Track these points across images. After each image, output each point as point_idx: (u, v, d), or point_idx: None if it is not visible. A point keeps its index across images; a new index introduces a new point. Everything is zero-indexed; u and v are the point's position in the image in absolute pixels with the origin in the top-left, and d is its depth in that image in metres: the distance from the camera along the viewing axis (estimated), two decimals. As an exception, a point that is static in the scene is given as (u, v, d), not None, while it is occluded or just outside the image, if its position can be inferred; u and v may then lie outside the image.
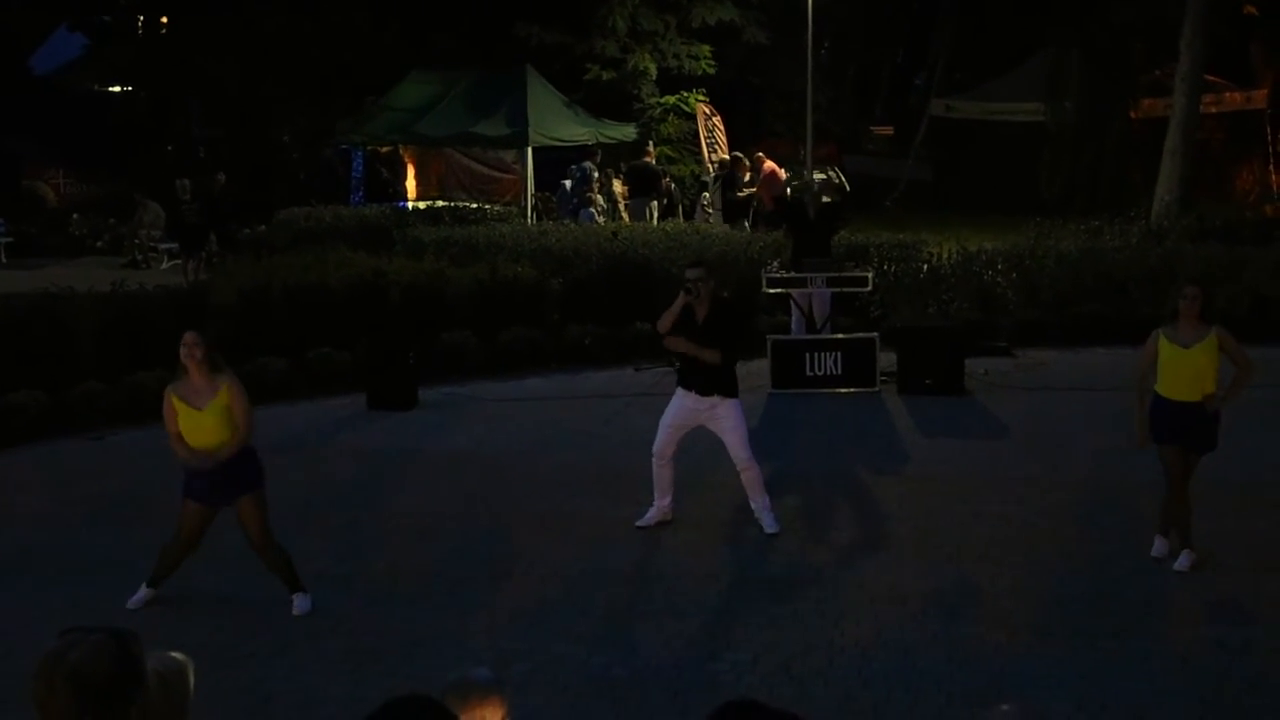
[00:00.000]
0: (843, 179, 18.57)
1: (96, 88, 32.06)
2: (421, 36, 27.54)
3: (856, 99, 35.85)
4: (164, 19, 28.60)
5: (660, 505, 9.26)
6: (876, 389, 13.22)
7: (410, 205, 25.30)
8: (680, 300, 8.86)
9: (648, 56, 25.86)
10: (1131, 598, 7.78)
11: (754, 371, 12.95)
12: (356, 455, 11.44)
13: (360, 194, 26.29)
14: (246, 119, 26.79)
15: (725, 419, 8.95)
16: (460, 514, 9.72)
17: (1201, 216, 19.43)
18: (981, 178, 26.44)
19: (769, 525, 9.03)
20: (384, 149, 26.89)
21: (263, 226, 22.43)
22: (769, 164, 22.34)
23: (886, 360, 13.46)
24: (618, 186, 23.29)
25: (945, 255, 16.58)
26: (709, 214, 22.26)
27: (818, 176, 16.33)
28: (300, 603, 7.79)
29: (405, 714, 2.63)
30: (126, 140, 28.29)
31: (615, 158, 24.40)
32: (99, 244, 25.62)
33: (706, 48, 26.15)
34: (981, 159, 27.09)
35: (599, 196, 22.65)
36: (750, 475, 9.04)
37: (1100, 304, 15.35)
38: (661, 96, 25.92)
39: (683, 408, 9.05)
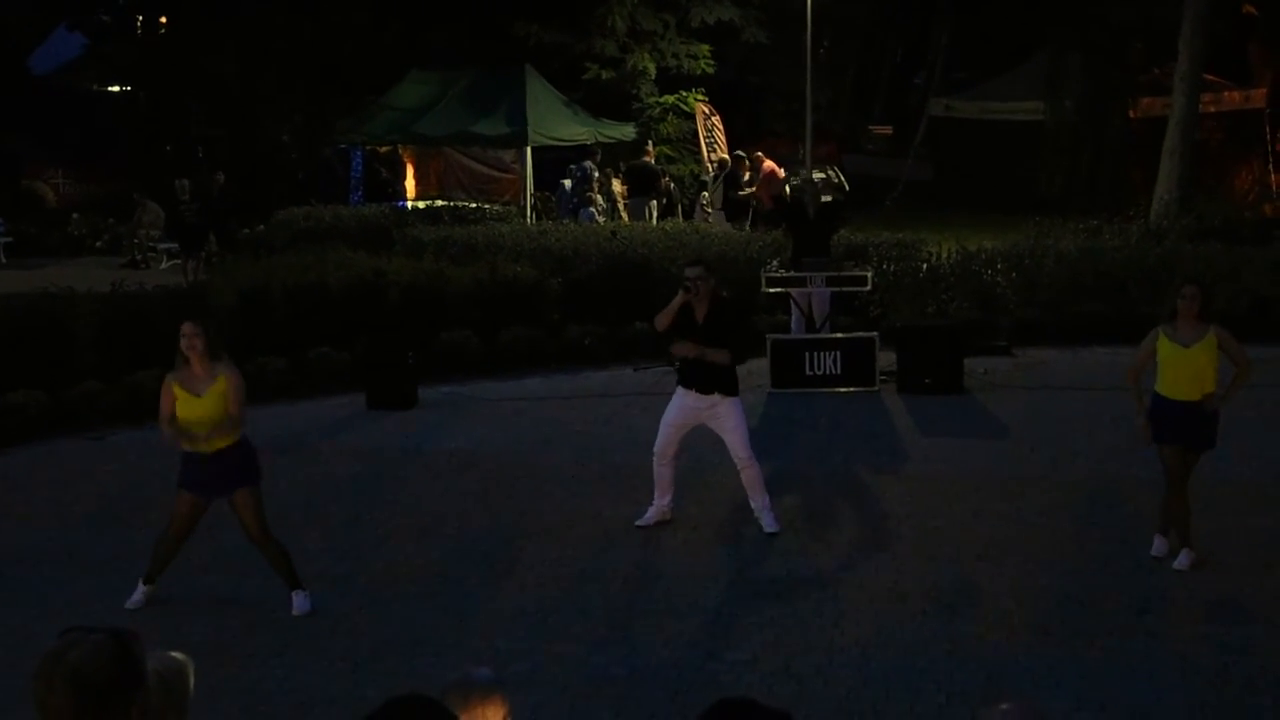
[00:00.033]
0: (842, 178, 18.55)
1: (96, 87, 32.05)
2: (421, 36, 27.53)
3: (856, 98, 35.82)
4: (163, 19, 28.59)
5: (660, 505, 9.26)
6: (876, 388, 13.22)
7: (409, 205, 25.30)
8: (679, 298, 8.85)
9: (647, 56, 25.86)
10: (1131, 597, 7.78)
11: (753, 371, 12.94)
12: (356, 455, 11.44)
13: (359, 194, 26.29)
14: (246, 119, 26.78)
15: (726, 418, 8.95)
16: (460, 514, 9.72)
17: (1201, 216, 19.42)
18: (981, 177, 26.43)
19: (769, 525, 9.03)
20: (383, 149, 26.88)
21: (262, 226, 22.42)
22: (768, 163, 22.36)
23: (886, 359, 13.46)
24: (617, 186, 23.29)
25: (945, 255, 16.58)
26: (708, 213, 22.26)
27: (816, 176, 16.30)
28: (299, 602, 7.79)
29: (405, 713, 2.63)
30: (126, 140, 28.28)
31: (614, 157, 24.40)
32: (98, 244, 25.62)
33: (706, 47, 26.15)
34: (981, 158, 27.07)
35: (599, 196, 22.66)
36: (750, 474, 9.04)
37: (1100, 303, 15.34)
38: (661, 96, 25.92)
39: (683, 406, 9.05)
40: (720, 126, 24.91)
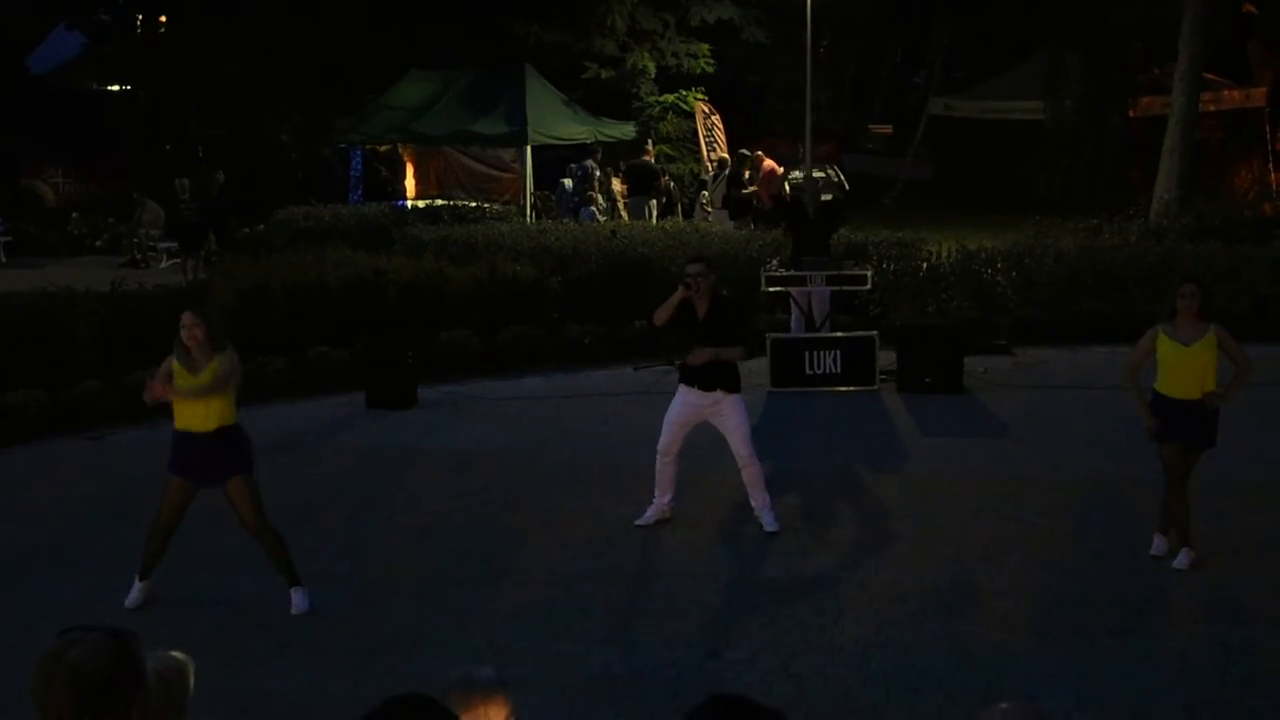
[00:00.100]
0: (842, 177, 18.57)
1: (95, 87, 32.03)
2: (420, 36, 27.53)
3: (855, 98, 35.84)
4: (162, 18, 28.58)
5: (660, 503, 9.26)
6: (876, 387, 13.22)
7: (409, 204, 25.30)
8: (678, 294, 8.85)
9: (646, 55, 25.87)
10: (1131, 596, 7.79)
11: (753, 370, 12.93)
12: (355, 454, 11.44)
13: (359, 193, 26.28)
14: (246, 118, 26.77)
15: (729, 415, 8.96)
16: (459, 513, 9.72)
17: (1200, 215, 19.43)
18: (980, 176, 26.42)
19: (768, 524, 9.03)
20: (383, 148, 26.87)
21: (261, 226, 22.41)
22: (768, 162, 22.36)
23: (886, 359, 13.46)
24: (617, 185, 23.29)
25: (944, 254, 16.58)
26: (708, 212, 22.27)
27: (815, 175, 16.31)
28: (298, 600, 7.78)
29: (403, 713, 2.62)
30: (125, 139, 28.27)
31: (614, 156, 24.41)
32: (98, 243, 25.60)
33: (705, 46, 26.15)
34: (980, 157, 27.07)
35: (599, 195, 22.66)
36: (751, 472, 9.04)
37: (1099, 302, 15.35)
38: (660, 95, 25.93)
39: (686, 404, 9.06)
40: (720, 126, 24.92)
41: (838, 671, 6.88)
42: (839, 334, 13.71)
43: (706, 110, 24.90)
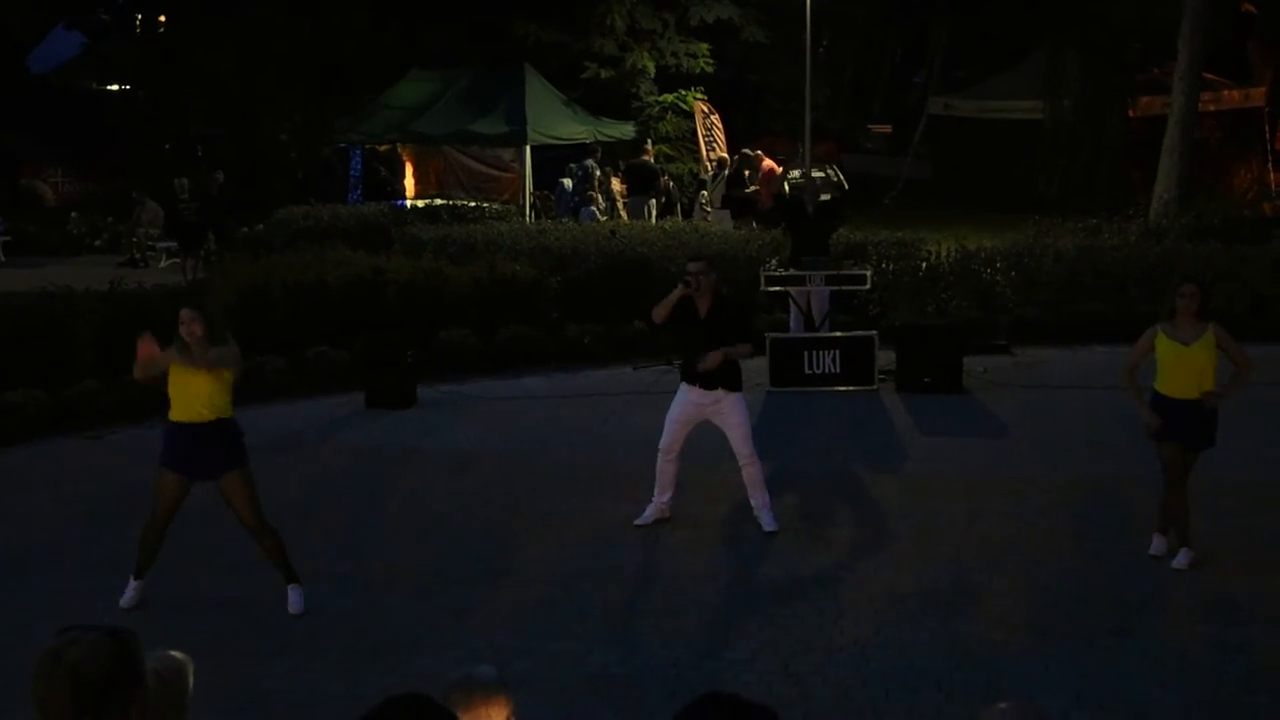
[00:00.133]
0: (841, 177, 18.55)
1: (94, 86, 32.03)
2: (420, 36, 27.53)
3: (855, 97, 35.84)
4: (162, 17, 28.58)
5: (659, 502, 9.26)
6: (875, 387, 13.22)
7: (408, 204, 25.28)
8: (678, 292, 8.85)
9: (646, 55, 25.86)
10: (1130, 596, 7.79)
11: (752, 370, 12.92)
12: (355, 454, 11.43)
13: (358, 192, 26.26)
14: (245, 118, 26.77)
15: (730, 414, 8.96)
16: (459, 513, 9.72)
17: (1200, 215, 19.43)
18: (980, 176, 26.42)
19: (768, 524, 9.03)
20: (382, 147, 26.86)
21: (261, 225, 22.39)
22: (767, 162, 22.34)
23: (885, 358, 13.46)
24: (616, 185, 23.29)
25: (944, 253, 16.57)
26: (707, 212, 22.27)
27: (815, 175, 16.29)
28: (294, 599, 7.77)
29: (403, 713, 2.62)
30: (125, 139, 28.26)
31: (614, 156, 24.41)
32: (97, 243, 25.59)
33: (705, 46, 26.15)
34: (980, 157, 27.07)
35: (598, 195, 22.66)
36: (751, 471, 9.04)
37: (1099, 302, 15.35)
38: (660, 95, 25.92)
39: (688, 402, 9.06)
40: (719, 125, 24.90)
41: (837, 671, 6.88)
42: (838, 334, 13.71)
43: (706, 110, 24.90)
